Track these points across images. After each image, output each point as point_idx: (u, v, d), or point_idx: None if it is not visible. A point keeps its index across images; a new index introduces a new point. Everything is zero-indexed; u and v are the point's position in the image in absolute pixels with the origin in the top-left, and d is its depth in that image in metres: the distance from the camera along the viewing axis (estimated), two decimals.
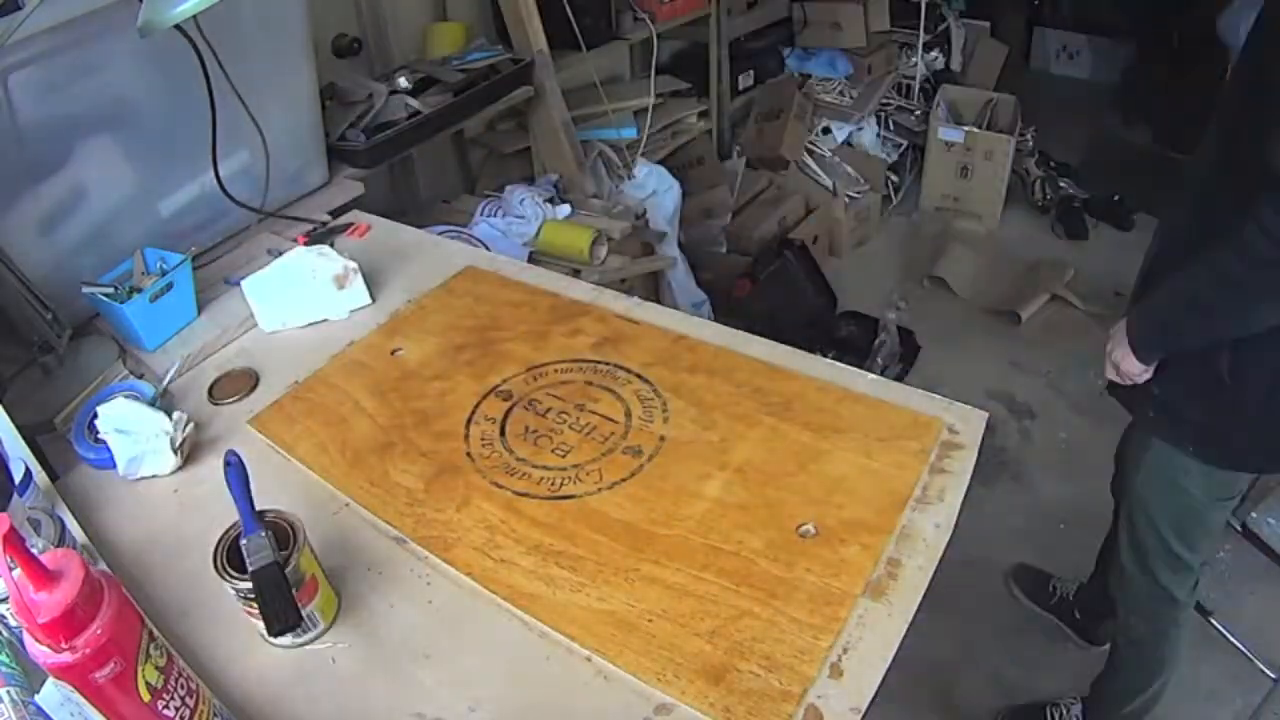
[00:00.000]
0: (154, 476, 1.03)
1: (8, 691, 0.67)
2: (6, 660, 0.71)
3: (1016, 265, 3.02)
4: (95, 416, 1.03)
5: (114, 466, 1.02)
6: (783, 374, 1.06)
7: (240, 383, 1.18)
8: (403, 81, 1.94)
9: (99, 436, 1.02)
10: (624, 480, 0.95)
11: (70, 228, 1.31)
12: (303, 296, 1.27)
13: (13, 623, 0.76)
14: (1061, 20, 4.22)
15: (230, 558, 0.80)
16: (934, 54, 3.45)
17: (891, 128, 3.41)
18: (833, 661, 0.75)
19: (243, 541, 0.78)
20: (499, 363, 1.14)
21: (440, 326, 1.23)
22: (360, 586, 0.88)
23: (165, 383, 1.17)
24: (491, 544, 0.89)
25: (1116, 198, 3.21)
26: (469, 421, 1.06)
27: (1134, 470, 1.31)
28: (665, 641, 0.77)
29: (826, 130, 3.27)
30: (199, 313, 1.34)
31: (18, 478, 0.93)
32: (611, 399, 1.06)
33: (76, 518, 0.97)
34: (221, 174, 1.43)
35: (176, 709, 0.68)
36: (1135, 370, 1.20)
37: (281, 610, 0.77)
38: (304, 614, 0.80)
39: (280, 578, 0.77)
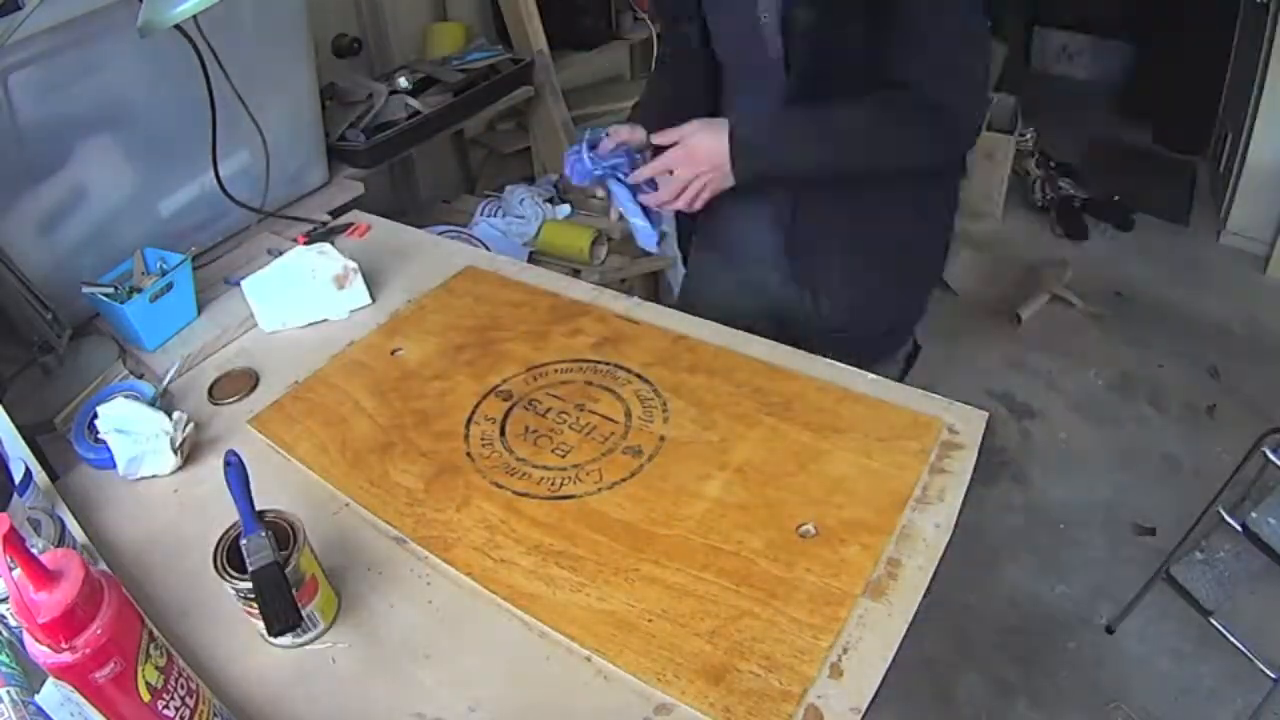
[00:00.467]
0: (154, 476, 1.03)
1: (8, 691, 0.67)
2: (6, 660, 0.71)
3: (1016, 265, 3.02)
4: (95, 416, 1.03)
5: (114, 466, 1.02)
6: (783, 374, 1.06)
7: (240, 383, 1.18)
8: (403, 81, 1.95)
9: (99, 436, 1.02)
10: (624, 480, 0.95)
11: (70, 228, 1.31)
12: (303, 296, 1.27)
13: (13, 623, 0.76)
14: (1061, 20, 4.23)
15: (230, 558, 0.80)
16: None
17: None
18: (833, 661, 0.75)
19: (243, 541, 0.78)
20: (499, 363, 1.14)
21: (440, 326, 1.23)
22: (360, 586, 0.88)
23: (165, 383, 1.17)
24: (491, 544, 0.89)
25: (1116, 198, 3.22)
26: (469, 421, 1.06)
27: None
28: (665, 641, 0.77)
29: None
30: (199, 313, 1.34)
31: (18, 478, 0.93)
32: (611, 399, 1.06)
33: (76, 518, 0.97)
34: (221, 174, 1.43)
35: (176, 709, 0.68)
36: None
37: (281, 610, 0.77)
38: (304, 614, 0.80)
39: (280, 578, 0.77)
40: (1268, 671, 1.57)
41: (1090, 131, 3.68)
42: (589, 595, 0.82)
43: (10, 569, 0.59)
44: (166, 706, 0.67)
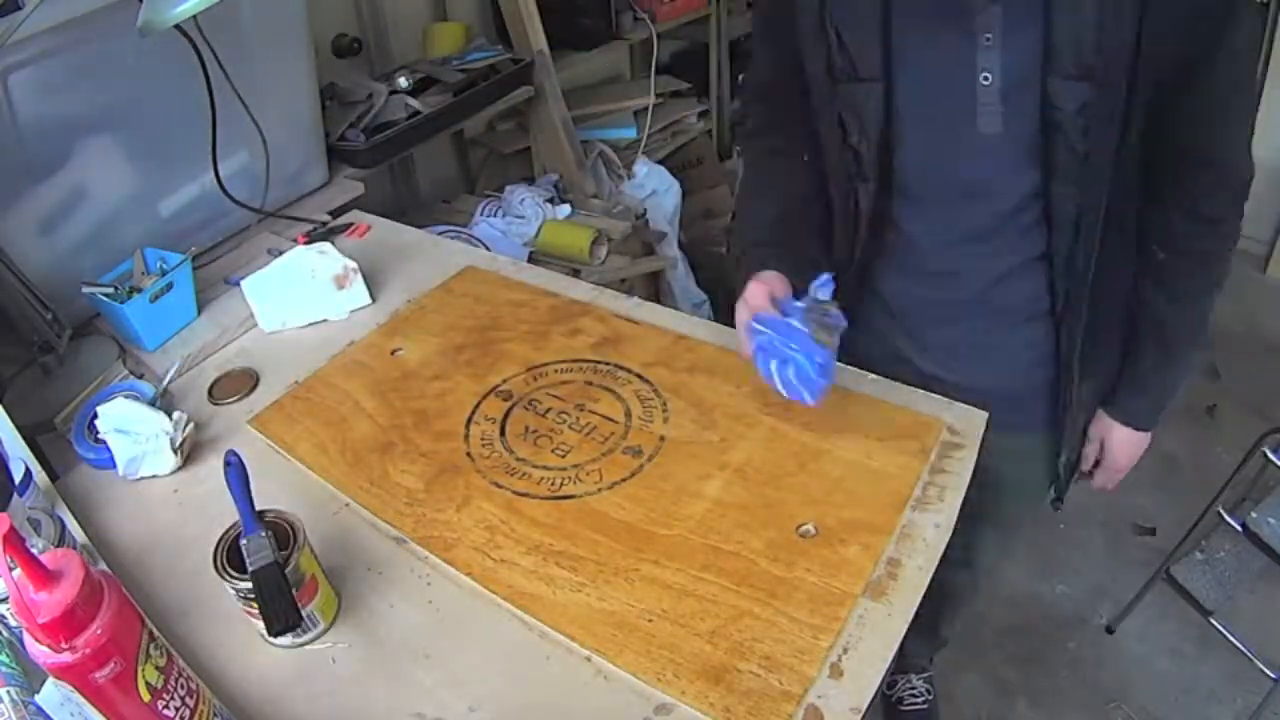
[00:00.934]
0: (154, 476, 1.03)
1: (8, 691, 0.67)
2: (6, 660, 0.71)
3: None
4: (95, 416, 1.03)
5: (114, 466, 1.02)
6: None
7: (240, 383, 1.18)
8: (403, 81, 1.94)
9: (99, 436, 1.02)
10: (624, 480, 0.95)
11: (70, 228, 1.31)
12: (303, 296, 1.27)
13: (13, 623, 0.76)
14: None
15: (230, 558, 0.80)
16: None
17: None
18: (833, 661, 0.75)
19: (243, 541, 0.78)
20: (499, 363, 1.14)
21: (440, 326, 1.23)
22: (360, 586, 0.88)
23: (165, 383, 1.17)
24: (491, 544, 0.89)
25: None
26: (469, 421, 1.06)
27: None
28: (665, 641, 0.77)
29: None
30: (199, 313, 1.34)
31: (18, 478, 0.93)
32: (611, 399, 1.06)
33: (76, 518, 0.97)
34: (221, 174, 1.43)
35: (176, 709, 0.68)
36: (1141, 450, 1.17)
37: (281, 610, 0.77)
38: (304, 614, 0.80)
39: (280, 578, 0.77)
40: (1268, 671, 1.58)
41: None
42: (589, 595, 0.82)
43: (10, 569, 0.59)
44: (166, 706, 0.67)
